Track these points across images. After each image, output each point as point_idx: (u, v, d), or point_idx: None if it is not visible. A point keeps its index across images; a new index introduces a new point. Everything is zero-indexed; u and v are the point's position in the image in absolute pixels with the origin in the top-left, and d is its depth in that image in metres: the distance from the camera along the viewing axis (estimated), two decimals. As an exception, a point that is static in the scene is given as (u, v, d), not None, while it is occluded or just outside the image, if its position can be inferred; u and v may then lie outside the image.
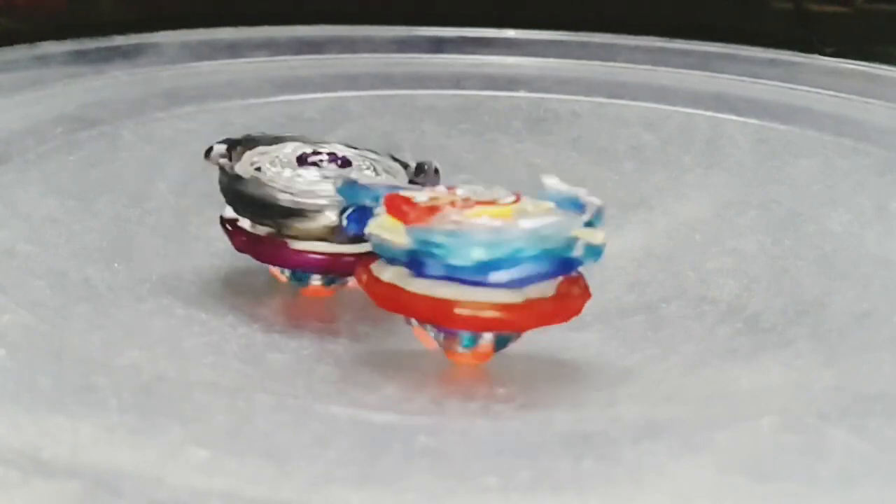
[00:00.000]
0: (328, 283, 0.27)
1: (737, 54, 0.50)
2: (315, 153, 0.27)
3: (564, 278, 0.24)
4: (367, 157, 0.28)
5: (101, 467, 0.21)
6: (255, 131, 0.28)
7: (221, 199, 0.32)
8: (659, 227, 0.33)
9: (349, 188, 0.25)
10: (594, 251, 0.24)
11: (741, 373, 0.26)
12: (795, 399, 0.25)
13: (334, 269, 0.27)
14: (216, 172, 0.35)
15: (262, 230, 0.27)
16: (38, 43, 0.46)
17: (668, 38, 0.51)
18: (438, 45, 0.49)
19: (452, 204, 0.23)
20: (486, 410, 0.24)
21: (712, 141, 0.42)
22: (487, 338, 0.24)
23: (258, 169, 0.27)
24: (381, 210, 0.24)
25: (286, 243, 0.26)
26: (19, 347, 0.25)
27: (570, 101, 0.44)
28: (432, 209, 0.23)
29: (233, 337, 0.27)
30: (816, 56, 0.50)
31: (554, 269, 0.23)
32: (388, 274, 0.24)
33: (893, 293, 0.30)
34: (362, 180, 0.25)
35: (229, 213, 0.28)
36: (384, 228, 0.23)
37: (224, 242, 0.30)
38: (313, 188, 0.26)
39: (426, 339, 0.25)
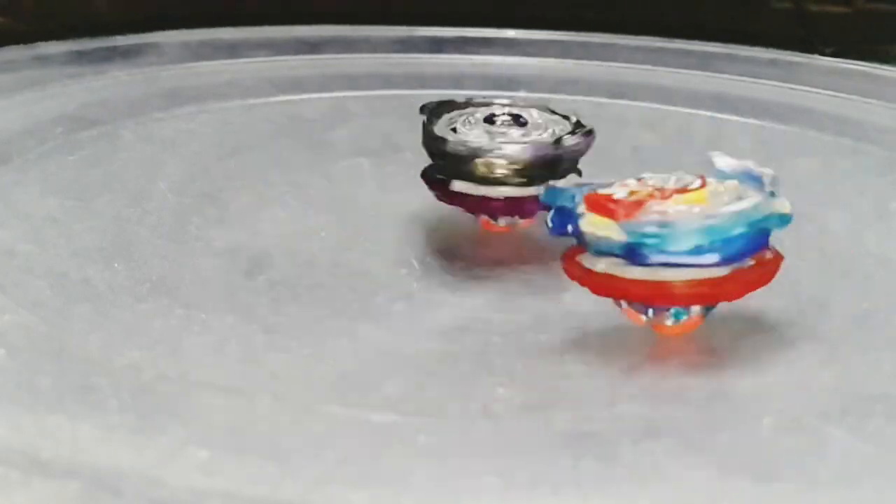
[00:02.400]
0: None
1: (737, 54, 0.50)
2: (496, 115, 0.31)
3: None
4: (533, 115, 0.31)
5: (101, 467, 0.21)
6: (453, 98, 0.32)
7: (221, 198, 0.32)
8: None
9: (551, 192, 0.27)
10: (785, 219, 0.26)
11: (741, 373, 0.26)
12: (795, 399, 0.25)
13: (514, 211, 0.31)
14: (216, 172, 0.35)
15: (462, 187, 0.30)
16: (38, 43, 0.46)
17: (668, 38, 0.50)
18: (438, 45, 0.49)
19: (651, 196, 0.26)
20: (486, 410, 0.24)
21: (712, 141, 0.42)
22: (696, 310, 0.26)
23: (454, 129, 0.31)
24: (583, 209, 0.26)
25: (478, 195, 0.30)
26: (19, 347, 0.25)
27: (570, 101, 0.44)
28: (637, 203, 0.26)
29: (233, 337, 0.27)
30: (816, 56, 0.50)
31: (757, 243, 0.26)
32: (602, 265, 0.26)
33: (893, 293, 0.30)
34: (562, 185, 0.28)
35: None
36: (596, 226, 0.26)
37: (223, 242, 0.31)
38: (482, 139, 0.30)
39: (635, 317, 0.27)
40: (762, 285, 0.26)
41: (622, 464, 0.22)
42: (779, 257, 0.27)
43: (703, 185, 0.26)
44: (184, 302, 0.28)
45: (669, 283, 0.26)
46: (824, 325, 0.28)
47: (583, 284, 0.27)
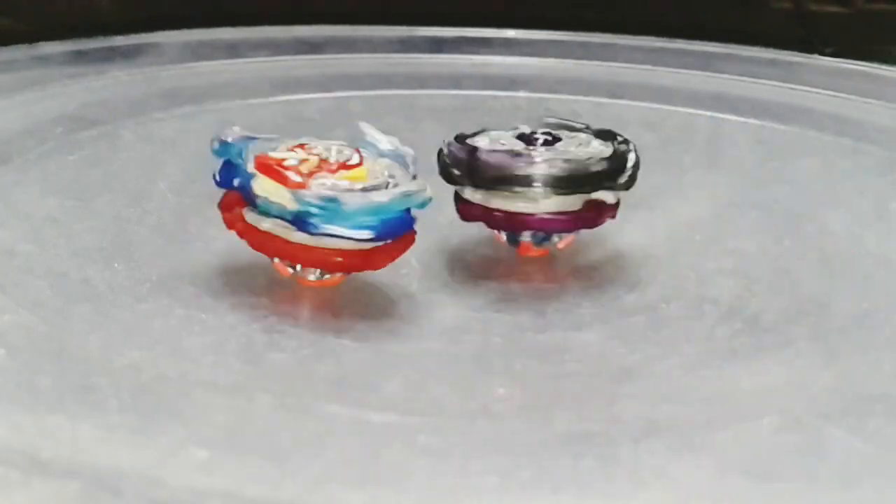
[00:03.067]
0: (539, 241, 0.30)
1: (737, 54, 0.50)
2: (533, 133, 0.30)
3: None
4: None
5: (101, 467, 0.21)
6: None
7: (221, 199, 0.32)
8: (659, 227, 0.33)
9: (221, 147, 0.28)
10: (427, 202, 0.28)
11: (741, 373, 0.26)
12: (795, 399, 0.25)
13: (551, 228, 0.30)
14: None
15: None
16: (38, 43, 0.46)
17: (668, 38, 0.51)
18: (438, 45, 0.49)
19: (319, 168, 0.28)
20: (486, 410, 0.24)
21: (712, 141, 0.42)
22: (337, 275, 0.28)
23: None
24: (254, 170, 0.28)
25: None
26: (19, 347, 0.25)
27: (570, 101, 0.44)
28: (308, 174, 0.27)
29: (233, 337, 0.27)
30: (816, 56, 0.50)
31: (407, 223, 0.28)
32: (267, 224, 0.28)
33: (893, 293, 0.30)
34: (230, 137, 0.28)
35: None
36: (269, 192, 0.27)
37: (223, 242, 0.31)
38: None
39: (283, 270, 0.28)
40: (399, 255, 0.28)
41: (622, 464, 0.22)
42: (412, 234, 0.28)
43: (361, 162, 0.28)
44: (184, 302, 0.28)
45: (327, 250, 0.27)
46: (824, 325, 0.28)
47: (243, 237, 0.28)
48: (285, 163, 0.28)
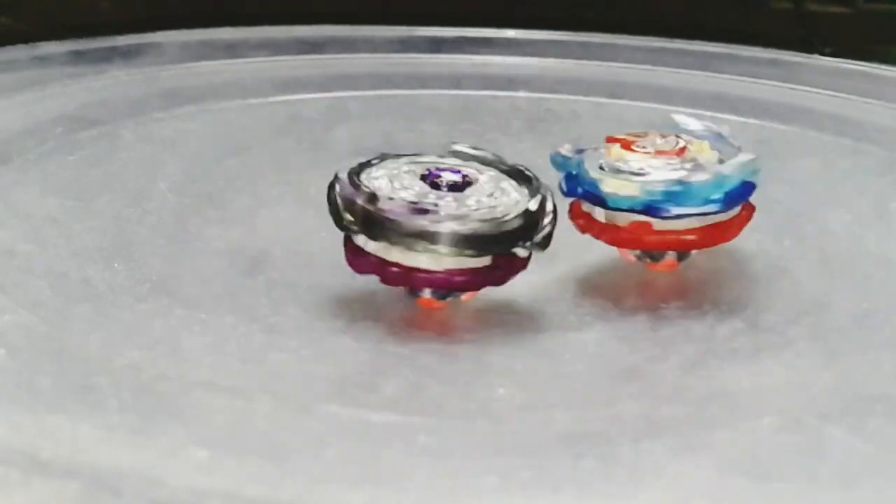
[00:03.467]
0: (441, 297, 0.28)
1: (737, 54, 0.50)
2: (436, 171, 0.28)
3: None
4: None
5: (101, 467, 0.21)
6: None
7: (221, 198, 0.32)
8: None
9: (557, 160, 0.29)
10: (758, 171, 0.29)
11: (741, 373, 0.26)
12: (795, 399, 0.25)
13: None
14: (216, 172, 0.35)
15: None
16: (38, 43, 0.46)
17: (668, 38, 0.50)
18: (438, 45, 0.49)
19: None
20: (486, 410, 0.24)
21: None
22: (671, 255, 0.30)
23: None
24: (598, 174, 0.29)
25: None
26: (19, 347, 0.25)
27: (570, 101, 0.44)
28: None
29: (233, 337, 0.27)
30: (816, 56, 0.50)
31: (746, 194, 0.29)
32: (621, 220, 0.29)
33: (893, 293, 0.30)
34: (565, 151, 0.29)
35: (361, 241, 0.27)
36: (617, 188, 0.28)
37: (223, 242, 0.31)
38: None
39: (627, 256, 0.30)
40: (745, 225, 0.29)
41: (622, 464, 0.22)
42: (751, 207, 0.30)
43: (685, 147, 0.29)
44: (184, 302, 0.28)
45: (680, 231, 0.29)
46: (824, 325, 0.28)
47: (600, 237, 0.29)
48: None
